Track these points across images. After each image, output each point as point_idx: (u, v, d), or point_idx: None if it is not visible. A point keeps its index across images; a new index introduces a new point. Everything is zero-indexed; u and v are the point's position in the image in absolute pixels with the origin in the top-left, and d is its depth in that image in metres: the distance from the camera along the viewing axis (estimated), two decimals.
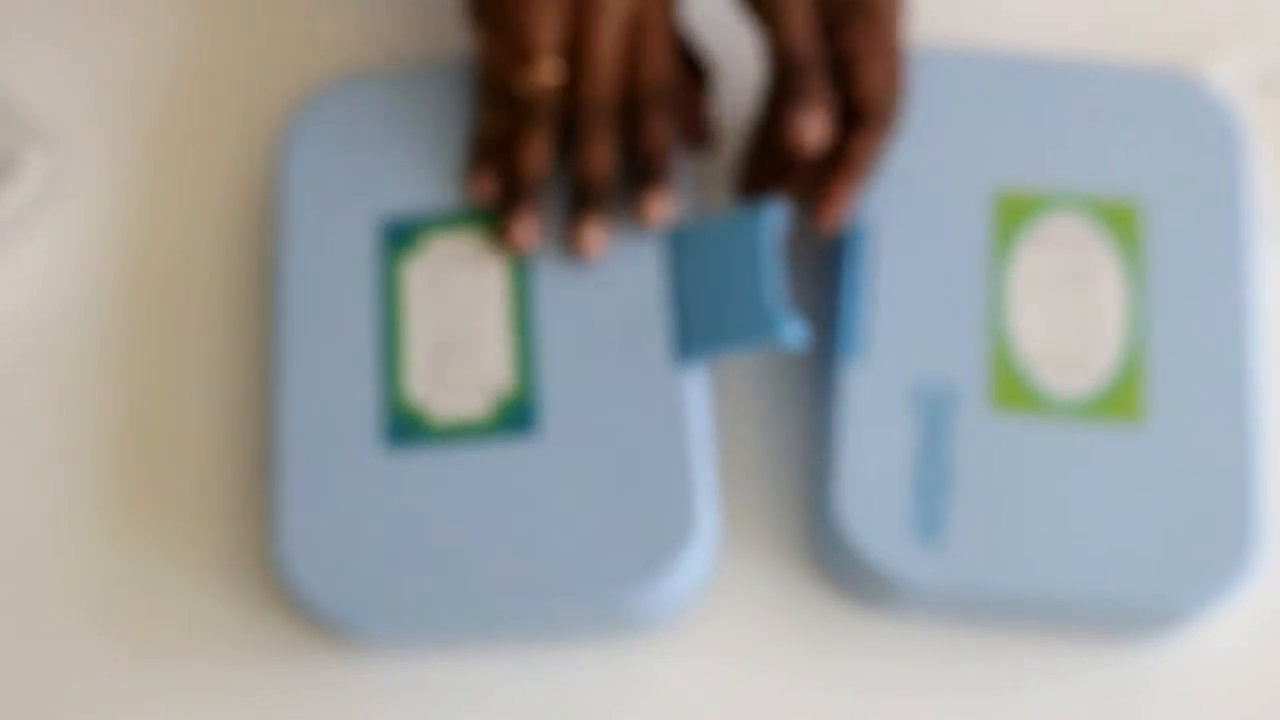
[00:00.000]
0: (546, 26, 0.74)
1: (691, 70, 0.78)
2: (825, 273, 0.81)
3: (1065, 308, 0.75)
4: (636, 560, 0.71)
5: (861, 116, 0.74)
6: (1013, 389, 0.74)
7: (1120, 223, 0.77)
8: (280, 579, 0.72)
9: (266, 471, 0.73)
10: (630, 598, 0.71)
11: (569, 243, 0.75)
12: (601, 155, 0.75)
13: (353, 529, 0.72)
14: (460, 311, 0.75)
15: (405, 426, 0.73)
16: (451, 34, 0.86)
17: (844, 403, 0.74)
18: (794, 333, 0.71)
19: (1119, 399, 0.74)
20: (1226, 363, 0.74)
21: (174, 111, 0.86)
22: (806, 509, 0.78)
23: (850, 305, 0.75)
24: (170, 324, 0.82)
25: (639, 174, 0.75)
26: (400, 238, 0.76)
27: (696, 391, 0.73)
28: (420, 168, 0.77)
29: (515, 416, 0.73)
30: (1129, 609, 0.72)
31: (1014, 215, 0.77)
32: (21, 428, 0.80)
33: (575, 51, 0.74)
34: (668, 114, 0.75)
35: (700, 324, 0.73)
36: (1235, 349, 0.75)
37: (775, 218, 0.73)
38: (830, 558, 0.75)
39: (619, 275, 0.75)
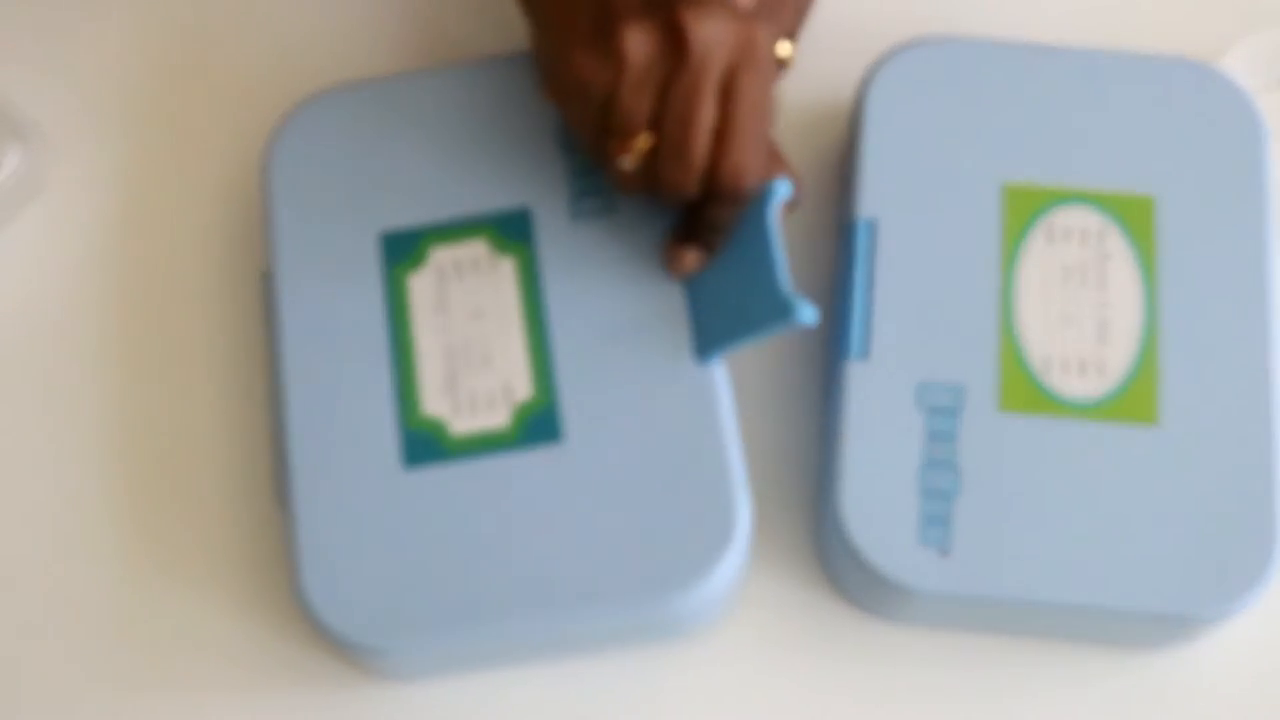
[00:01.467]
0: (642, 103, 0.70)
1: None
2: (831, 271, 0.81)
3: (1078, 305, 0.75)
4: (683, 561, 0.70)
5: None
6: (1023, 390, 0.73)
7: (1135, 216, 0.76)
8: (307, 613, 0.71)
9: (284, 500, 0.73)
10: (678, 600, 0.70)
11: (667, 263, 0.74)
12: (692, 258, 0.74)
13: (377, 556, 0.71)
14: (471, 322, 0.74)
15: (422, 445, 0.73)
16: (438, 41, 0.85)
17: (849, 404, 0.73)
18: (808, 313, 0.70)
19: (1134, 400, 0.73)
20: (1246, 362, 0.74)
21: (160, 112, 0.86)
22: (813, 513, 0.78)
23: (855, 304, 0.75)
24: (161, 332, 0.82)
25: (691, 236, 0.73)
26: (400, 250, 0.75)
27: (722, 386, 0.73)
28: (414, 177, 0.76)
29: (540, 426, 0.72)
30: (1146, 619, 0.72)
31: (1025, 209, 0.76)
32: (19, 442, 0.80)
33: (666, 131, 0.70)
34: (744, 204, 0.72)
35: (717, 316, 0.73)
36: (1255, 348, 0.74)
37: (780, 195, 0.72)
38: (837, 563, 0.75)
39: (632, 274, 0.74)
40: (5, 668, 0.76)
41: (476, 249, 0.75)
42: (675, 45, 0.68)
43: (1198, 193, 0.76)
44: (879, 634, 0.76)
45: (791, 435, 0.79)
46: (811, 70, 0.82)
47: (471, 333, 0.74)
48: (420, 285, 0.75)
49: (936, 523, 0.71)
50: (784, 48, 0.77)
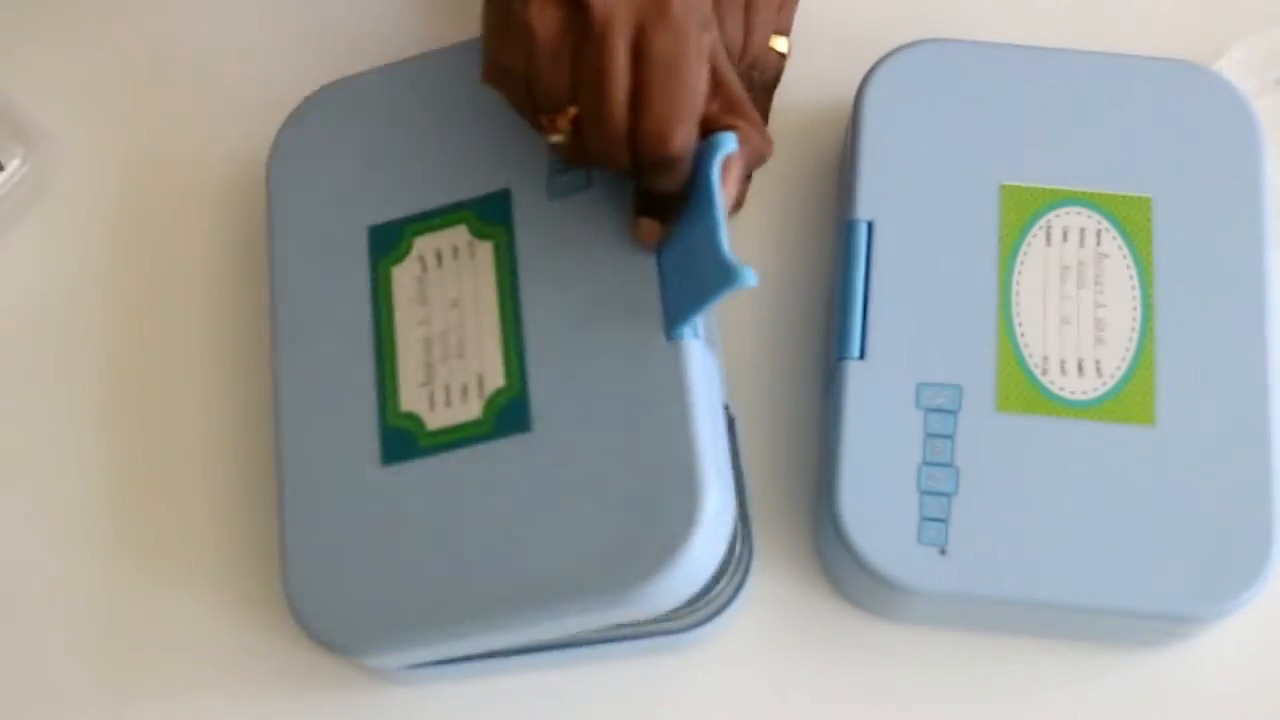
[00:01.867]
0: (559, 76, 0.68)
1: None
2: (830, 271, 0.80)
3: (1075, 305, 0.74)
4: (644, 551, 0.66)
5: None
6: (1021, 390, 0.73)
7: (1133, 217, 0.76)
8: (295, 616, 0.70)
9: (277, 500, 0.72)
10: (640, 593, 0.66)
11: (632, 236, 0.71)
12: (649, 228, 0.71)
13: (356, 557, 0.70)
14: (449, 311, 0.72)
15: (399, 442, 0.71)
16: (436, 37, 0.84)
17: (848, 405, 0.73)
18: (749, 276, 0.66)
19: (1131, 400, 0.73)
20: (1243, 363, 0.73)
21: (163, 112, 0.86)
22: (813, 513, 0.77)
23: (854, 305, 0.74)
24: (165, 332, 0.81)
25: (646, 206, 0.71)
26: (385, 242, 0.74)
27: (696, 362, 0.68)
28: (398, 167, 0.75)
29: (511, 416, 0.70)
30: (1144, 619, 0.72)
31: (1023, 209, 0.76)
32: (19, 442, 0.80)
33: (582, 100, 0.68)
34: (680, 171, 0.68)
35: (678, 286, 0.69)
36: (1252, 348, 0.74)
37: (724, 149, 0.68)
38: (837, 563, 0.74)
39: (608, 250, 0.71)
40: None
41: (458, 235, 0.73)
42: (578, 12, 0.66)
43: (1195, 194, 0.76)
44: (879, 634, 0.76)
45: (791, 435, 0.78)
46: (811, 71, 0.82)
47: (450, 322, 0.72)
48: (403, 277, 0.73)
49: (935, 522, 0.71)
50: (780, 43, 0.77)
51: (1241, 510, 0.71)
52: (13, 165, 0.81)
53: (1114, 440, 0.72)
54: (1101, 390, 0.73)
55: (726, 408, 0.74)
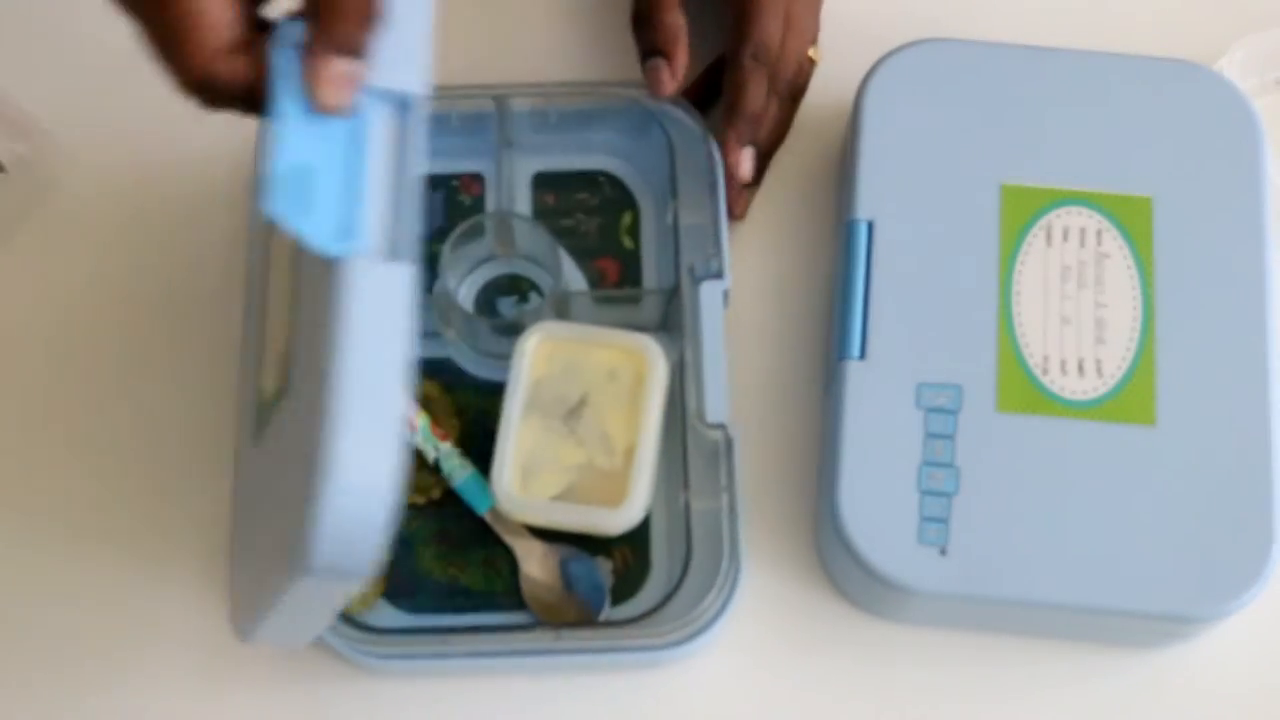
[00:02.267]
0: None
1: None
2: (831, 271, 0.80)
3: (1076, 305, 0.74)
4: (305, 509, 0.56)
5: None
6: (1021, 390, 0.73)
7: (1133, 216, 0.76)
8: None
9: None
10: (312, 557, 0.56)
11: None
12: None
13: (241, 544, 0.69)
14: (280, 276, 0.69)
15: (257, 419, 0.69)
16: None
17: (848, 405, 0.73)
18: (270, 189, 0.58)
19: (1132, 400, 0.73)
20: (1243, 362, 0.73)
21: (165, 109, 0.84)
22: (813, 513, 0.77)
23: (854, 305, 0.74)
24: (167, 331, 0.81)
25: None
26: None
27: (352, 281, 0.57)
28: None
29: (284, 380, 0.65)
30: (1144, 619, 0.72)
31: (1023, 209, 0.76)
32: (21, 441, 0.80)
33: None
34: (222, 89, 0.61)
35: None
36: (1252, 348, 0.74)
37: (285, 38, 0.59)
38: (837, 563, 0.74)
39: None
40: None
41: None
42: None
43: (1195, 193, 0.76)
44: (879, 634, 0.76)
45: (792, 435, 0.78)
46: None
47: (278, 286, 0.68)
48: (276, 248, 0.71)
49: (935, 522, 0.71)
50: (811, 50, 0.78)
51: (1241, 510, 0.71)
52: (13, 164, 0.81)
53: (1114, 440, 0.72)
54: (1102, 390, 0.73)
55: (725, 429, 0.74)
